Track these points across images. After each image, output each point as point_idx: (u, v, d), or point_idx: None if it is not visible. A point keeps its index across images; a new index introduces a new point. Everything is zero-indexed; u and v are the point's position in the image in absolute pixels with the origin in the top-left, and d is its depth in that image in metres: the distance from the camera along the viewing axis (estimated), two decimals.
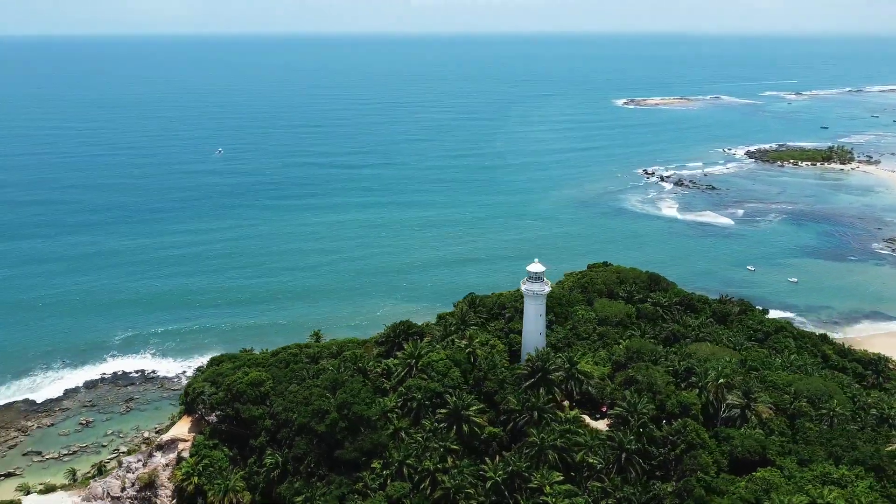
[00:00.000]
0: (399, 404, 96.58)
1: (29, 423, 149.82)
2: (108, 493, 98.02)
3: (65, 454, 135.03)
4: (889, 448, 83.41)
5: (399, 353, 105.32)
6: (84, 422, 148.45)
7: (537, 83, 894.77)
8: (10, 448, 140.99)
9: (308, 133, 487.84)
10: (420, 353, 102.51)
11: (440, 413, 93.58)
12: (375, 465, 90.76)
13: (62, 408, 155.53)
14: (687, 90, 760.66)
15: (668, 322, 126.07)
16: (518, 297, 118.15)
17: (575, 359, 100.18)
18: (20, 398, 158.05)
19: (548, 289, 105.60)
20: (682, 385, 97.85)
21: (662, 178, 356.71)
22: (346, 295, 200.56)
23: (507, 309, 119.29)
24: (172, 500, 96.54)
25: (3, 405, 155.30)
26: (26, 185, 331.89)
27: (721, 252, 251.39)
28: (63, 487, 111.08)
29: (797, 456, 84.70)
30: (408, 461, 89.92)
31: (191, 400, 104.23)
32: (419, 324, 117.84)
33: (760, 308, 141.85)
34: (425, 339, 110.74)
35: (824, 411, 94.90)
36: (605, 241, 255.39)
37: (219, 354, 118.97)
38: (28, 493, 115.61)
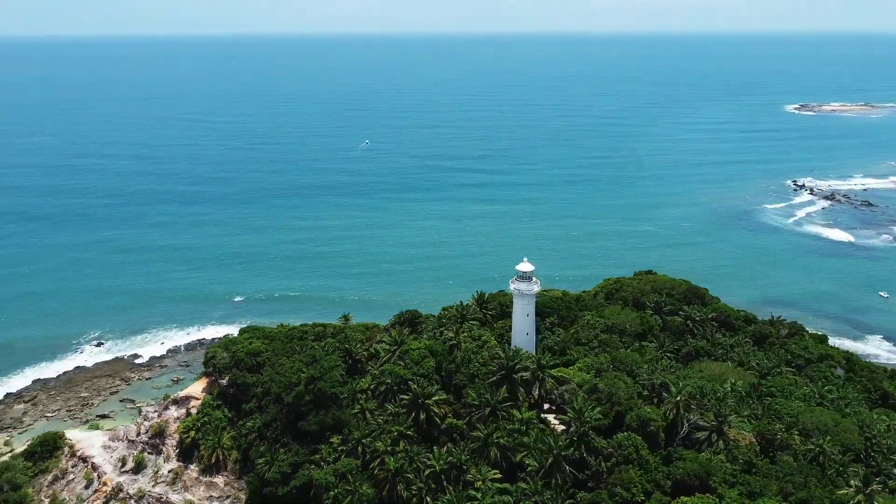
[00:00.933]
0: (371, 387, 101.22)
1: (131, 375, 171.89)
2: (126, 436, 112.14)
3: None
4: (841, 492, 74.88)
5: (385, 339, 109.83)
6: (175, 379, 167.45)
7: (698, 86, 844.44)
8: (111, 394, 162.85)
9: (454, 131, 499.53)
10: (403, 341, 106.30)
11: (402, 399, 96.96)
12: (335, 440, 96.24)
13: (161, 364, 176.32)
14: (872, 96, 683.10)
15: (695, 338, 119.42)
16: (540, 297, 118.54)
17: (546, 362, 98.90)
18: (130, 353, 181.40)
19: (536, 288, 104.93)
20: (654, 400, 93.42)
21: (812, 191, 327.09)
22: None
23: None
24: (175, 449, 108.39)
25: (115, 358, 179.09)
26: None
27: (852, 274, 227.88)
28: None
29: (746, 488, 78.57)
30: (364, 440, 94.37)
31: (205, 362, 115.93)
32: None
33: (818, 332, 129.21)
34: (421, 329, 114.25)
35: (812, 447, 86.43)
36: (723, 254, 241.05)
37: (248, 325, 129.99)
38: (93, 429, 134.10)
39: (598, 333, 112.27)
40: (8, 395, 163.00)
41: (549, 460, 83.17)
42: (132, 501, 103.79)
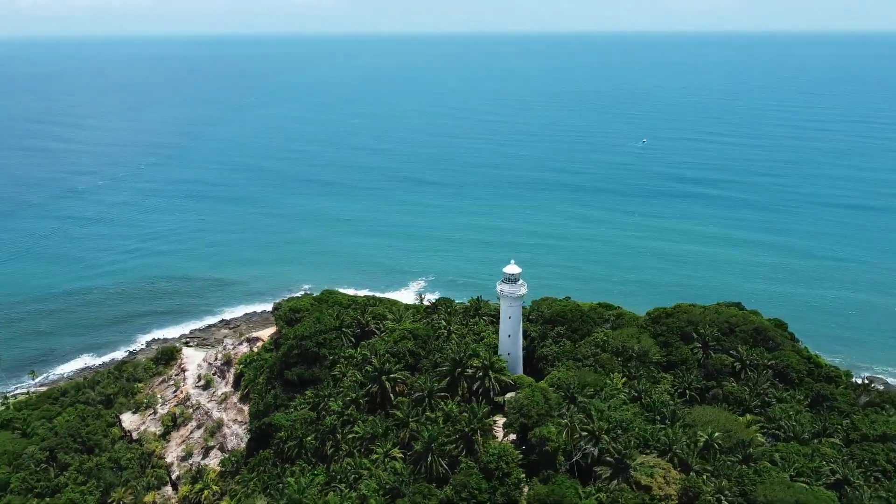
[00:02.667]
0: (358, 355, 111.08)
1: None
2: (207, 360, 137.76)
3: None
4: None
5: (390, 316, 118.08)
6: None
7: None
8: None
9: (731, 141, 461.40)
10: (401, 319, 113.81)
11: (367, 370, 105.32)
12: (309, 392, 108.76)
13: None
14: None
15: (738, 382, 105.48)
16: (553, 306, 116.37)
17: (493, 364, 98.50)
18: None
19: (522, 291, 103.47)
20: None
21: None
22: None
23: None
24: (232, 377, 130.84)
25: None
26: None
27: None
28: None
29: None
30: (328, 399, 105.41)
31: (272, 311, 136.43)
32: None
33: None
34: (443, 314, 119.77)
35: None
36: None
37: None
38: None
39: (598, 352, 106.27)
40: (222, 321, 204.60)
41: (420, 448, 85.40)
42: (190, 409, 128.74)
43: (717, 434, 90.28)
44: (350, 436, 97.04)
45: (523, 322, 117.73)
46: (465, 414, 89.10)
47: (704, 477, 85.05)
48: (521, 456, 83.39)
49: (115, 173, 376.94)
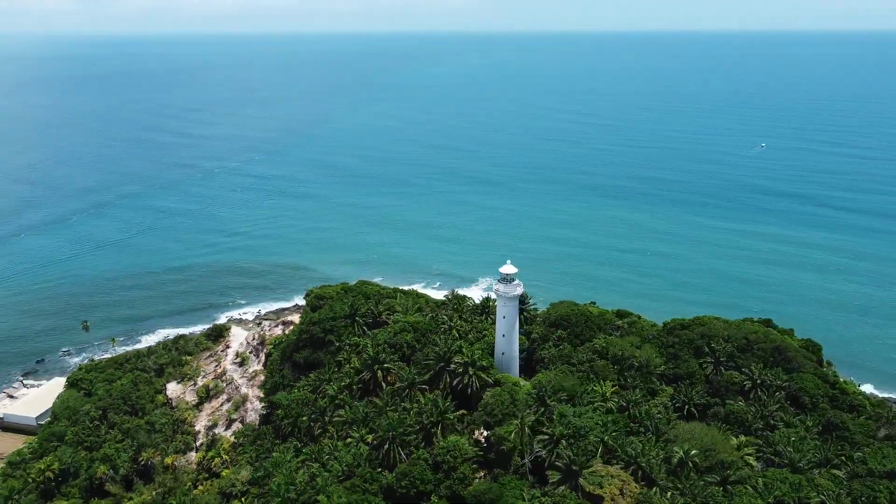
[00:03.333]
0: (362, 343, 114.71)
1: None
2: (247, 339, 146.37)
3: None
4: None
5: (398, 308, 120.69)
6: None
7: None
8: None
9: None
10: (407, 311, 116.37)
11: (363, 357, 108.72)
12: (312, 375, 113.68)
13: None
14: None
15: (740, 401, 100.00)
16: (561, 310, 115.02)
17: (476, 361, 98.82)
18: None
19: (518, 291, 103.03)
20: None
21: None
22: None
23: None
24: (264, 356, 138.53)
25: None
26: None
27: None
28: None
29: None
30: (326, 382, 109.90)
31: (304, 297, 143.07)
32: None
33: None
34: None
35: None
36: None
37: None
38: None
39: (594, 358, 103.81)
40: (295, 306, 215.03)
41: (381, 436, 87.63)
42: (224, 384, 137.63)
43: (694, 452, 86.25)
44: (336, 419, 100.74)
45: (533, 324, 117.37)
46: (428, 406, 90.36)
47: (669, 494, 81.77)
48: (475, 452, 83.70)
49: (226, 164, 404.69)
